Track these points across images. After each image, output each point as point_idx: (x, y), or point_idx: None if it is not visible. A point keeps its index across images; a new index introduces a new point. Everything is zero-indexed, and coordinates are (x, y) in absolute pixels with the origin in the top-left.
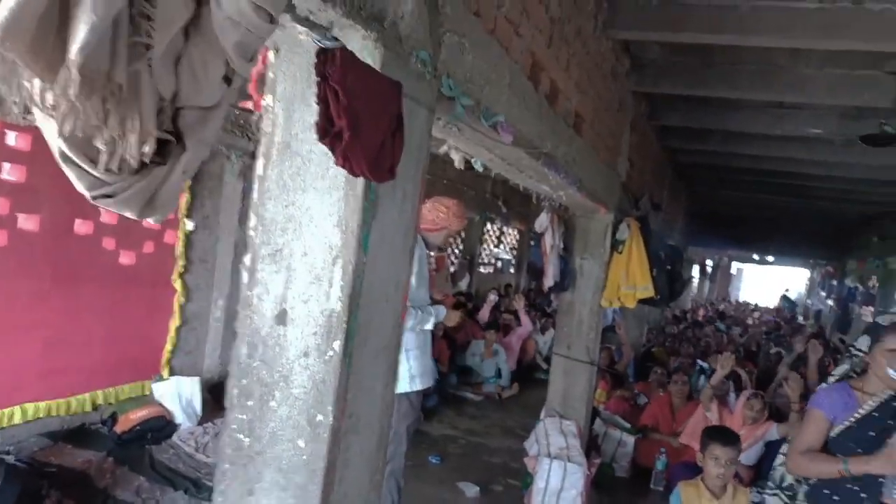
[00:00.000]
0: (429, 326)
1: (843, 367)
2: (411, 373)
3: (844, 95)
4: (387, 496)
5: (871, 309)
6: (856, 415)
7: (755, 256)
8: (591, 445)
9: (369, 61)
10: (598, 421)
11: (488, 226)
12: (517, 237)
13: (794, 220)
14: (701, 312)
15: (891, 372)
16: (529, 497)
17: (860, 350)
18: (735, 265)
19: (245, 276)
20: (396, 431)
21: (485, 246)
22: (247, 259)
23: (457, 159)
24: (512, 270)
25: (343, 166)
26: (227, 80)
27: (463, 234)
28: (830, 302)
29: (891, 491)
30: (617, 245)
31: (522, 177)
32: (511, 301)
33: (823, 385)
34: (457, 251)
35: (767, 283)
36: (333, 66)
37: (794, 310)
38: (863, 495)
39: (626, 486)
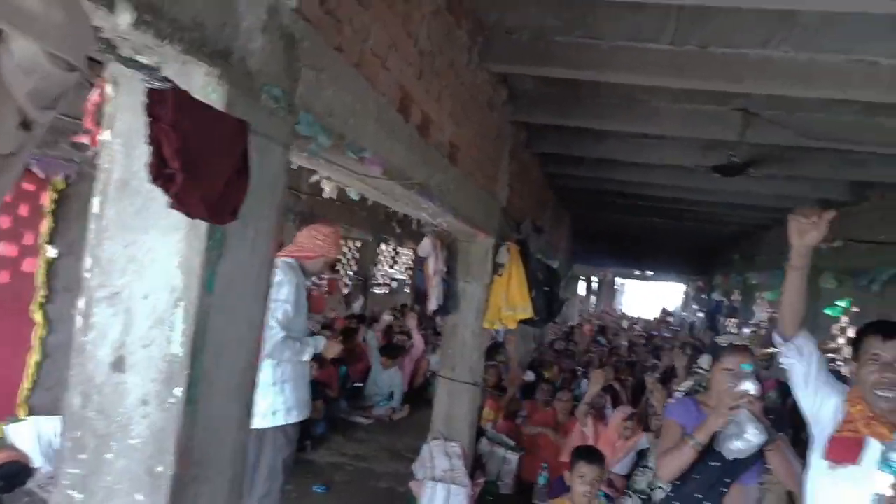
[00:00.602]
0: (306, 357)
1: (687, 383)
2: (287, 405)
3: (696, 128)
4: None
5: (735, 320)
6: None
7: (636, 272)
8: (477, 465)
9: (213, 98)
10: (484, 440)
11: (382, 246)
12: (412, 257)
13: (668, 238)
14: (587, 328)
15: (722, 381)
16: None
17: (702, 368)
18: (618, 281)
19: (79, 321)
20: (272, 466)
21: (379, 267)
22: (80, 302)
23: (328, 189)
24: (407, 290)
25: (178, 209)
26: (26, 125)
27: (357, 256)
28: (701, 314)
29: (727, 445)
30: (497, 268)
31: (399, 204)
32: (405, 319)
33: (671, 400)
34: (350, 273)
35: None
36: (164, 108)
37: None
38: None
39: (510, 502)
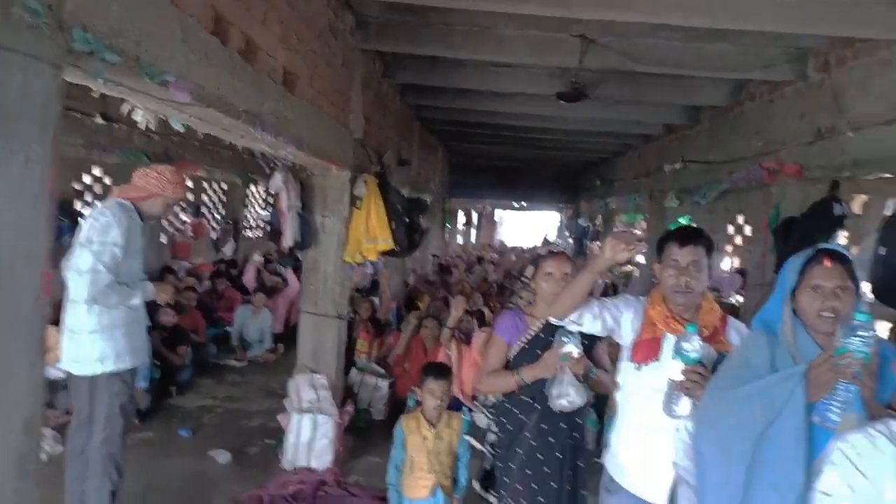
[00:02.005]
0: (135, 302)
1: (517, 297)
2: (117, 351)
3: (542, 55)
4: (105, 479)
5: (599, 243)
6: (526, 336)
7: (514, 204)
8: (348, 395)
9: None
10: (354, 370)
11: (252, 188)
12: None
13: (538, 168)
14: (463, 259)
15: (544, 286)
16: (283, 453)
17: (526, 278)
18: (498, 212)
19: None
20: (109, 413)
21: (250, 209)
22: None
23: (140, 119)
24: None
25: None
26: None
27: (224, 199)
28: (570, 240)
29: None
30: (355, 201)
31: (232, 136)
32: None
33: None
34: (217, 217)
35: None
36: None
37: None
38: (536, 406)
39: (383, 426)
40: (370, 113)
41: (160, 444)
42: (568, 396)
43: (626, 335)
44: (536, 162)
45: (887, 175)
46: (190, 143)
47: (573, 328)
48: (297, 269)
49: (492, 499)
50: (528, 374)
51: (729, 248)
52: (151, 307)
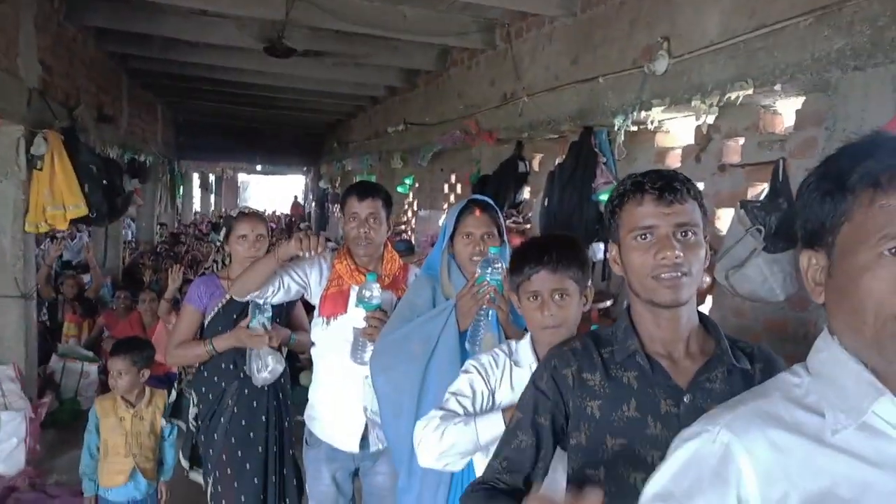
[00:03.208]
0: None
1: (210, 260)
2: None
3: (246, 6)
4: None
5: (338, 206)
6: (222, 300)
7: (257, 167)
8: (48, 385)
9: None
10: (54, 357)
11: None
12: None
13: (278, 129)
14: (195, 227)
15: (238, 249)
16: None
17: (219, 240)
18: (241, 177)
19: None
20: None
21: None
22: None
23: None
24: None
25: None
26: None
27: None
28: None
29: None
30: (34, 161)
31: None
32: None
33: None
34: None
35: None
36: None
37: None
38: (237, 371)
39: None
40: (50, 60)
41: None
42: (268, 367)
43: (315, 293)
44: (276, 123)
45: (553, 136)
46: None
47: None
48: None
49: (196, 475)
50: (220, 344)
51: (445, 206)
52: None
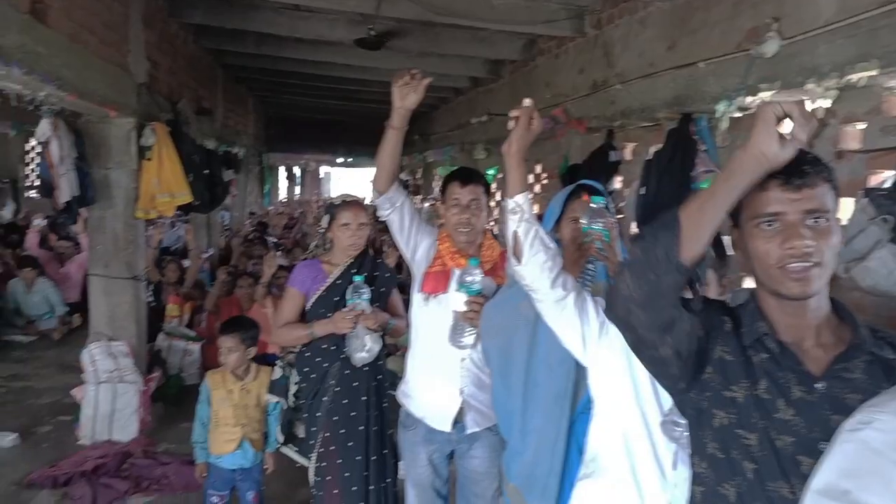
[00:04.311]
0: None
1: (312, 245)
2: None
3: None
4: None
5: (420, 197)
6: (324, 284)
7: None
8: (156, 361)
9: None
10: (161, 335)
11: (32, 141)
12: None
13: (360, 122)
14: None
15: (341, 236)
16: (80, 428)
17: (323, 228)
18: (323, 169)
19: None
20: None
21: (31, 166)
22: None
23: None
24: None
25: None
26: None
27: None
28: None
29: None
30: (144, 152)
31: None
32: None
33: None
34: None
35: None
36: None
37: None
38: (338, 352)
39: (197, 390)
40: (157, 56)
41: None
42: (366, 347)
43: (419, 262)
44: (358, 116)
45: (648, 124)
46: None
47: (384, 212)
48: None
49: (292, 453)
50: (321, 329)
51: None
52: None
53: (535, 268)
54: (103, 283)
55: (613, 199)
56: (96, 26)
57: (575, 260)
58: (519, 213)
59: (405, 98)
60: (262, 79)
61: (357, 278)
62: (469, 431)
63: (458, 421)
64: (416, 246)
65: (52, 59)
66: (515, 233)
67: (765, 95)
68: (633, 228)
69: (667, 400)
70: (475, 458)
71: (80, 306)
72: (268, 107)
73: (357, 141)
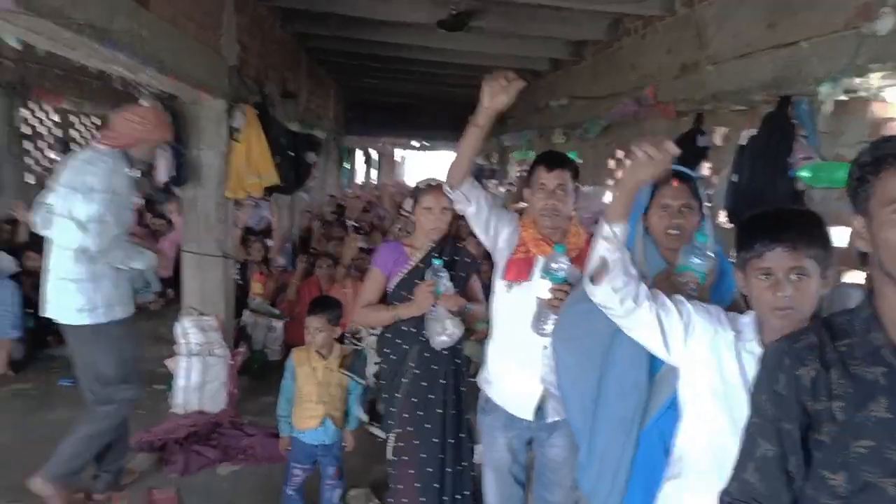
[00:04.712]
0: (138, 265)
1: (396, 228)
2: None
3: None
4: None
5: (495, 181)
6: (406, 267)
7: (415, 143)
8: (242, 336)
9: None
10: (247, 312)
11: None
12: None
13: (436, 105)
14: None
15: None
16: (173, 398)
17: (406, 211)
18: (399, 152)
19: None
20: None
21: None
22: None
23: None
24: None
25: None
26: None
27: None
28: None
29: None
30: (233, 133)
31: (80, 54)
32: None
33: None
34: None
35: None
36: None
37: None
38: (418, 335)
39: (279, 367)
40: (247, 40)
41: (39, 396)
42: (447, 331)
43: (501, 250)
44: (435, 99)
45: (741, 107)
46: (51, 72)
47: (460, 205)
48: None
49: (376, 430)
50: (404, 311)
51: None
52: (17, 250)
53: (608, 292)
54: (195, 259)
55: (702, 185)
56: (194, 12)
57: (667, 249)
58: (614, 243)
59: (495, 98)
60: (343, 62)
61: (436, 262)
62: (550, 420)
63: (540, 408)
64: (496, 234)
65: (154, 43)
66: (604, 258)
67: (876, 76)
68: (722, 217)
69: None
70: (555, 446)
71: (170, 282)
72: (346, 90)
73: (433, 125)
